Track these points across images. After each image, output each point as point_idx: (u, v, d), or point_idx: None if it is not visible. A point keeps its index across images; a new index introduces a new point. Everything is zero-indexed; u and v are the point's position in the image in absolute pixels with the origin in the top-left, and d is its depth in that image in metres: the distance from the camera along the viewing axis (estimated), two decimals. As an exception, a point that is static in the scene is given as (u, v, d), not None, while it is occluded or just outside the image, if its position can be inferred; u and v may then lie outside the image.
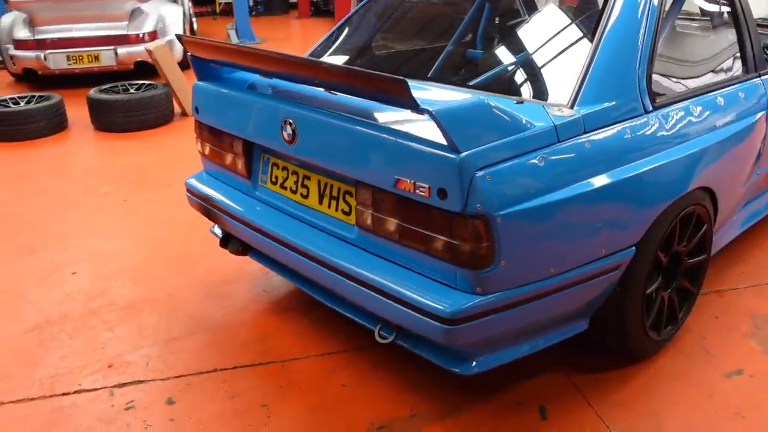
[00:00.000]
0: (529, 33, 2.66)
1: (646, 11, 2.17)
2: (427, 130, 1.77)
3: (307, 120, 2.08)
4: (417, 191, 1.77)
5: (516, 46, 2.58)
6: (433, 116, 1.63)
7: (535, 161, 1.79)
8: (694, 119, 2.26)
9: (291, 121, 2.12)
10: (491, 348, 1.94)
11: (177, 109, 6.04)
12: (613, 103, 2.02)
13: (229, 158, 2.53)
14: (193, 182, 2.69)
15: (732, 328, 2.55)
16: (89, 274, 3.13)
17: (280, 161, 2.32)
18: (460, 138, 1.67)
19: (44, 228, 3.68)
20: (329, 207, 2.15)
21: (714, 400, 2.18)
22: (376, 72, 1.67)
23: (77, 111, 5.99)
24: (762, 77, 2.67)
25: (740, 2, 2.65)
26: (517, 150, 1.77)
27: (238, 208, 2.42)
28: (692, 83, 2.40)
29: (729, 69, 2.60)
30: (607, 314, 2.17)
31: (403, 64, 2.86)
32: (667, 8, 2.29)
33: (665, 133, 2.14)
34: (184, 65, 6.73)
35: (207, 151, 2.66)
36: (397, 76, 1.61)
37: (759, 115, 2.56)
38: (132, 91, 5.89)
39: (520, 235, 1.77)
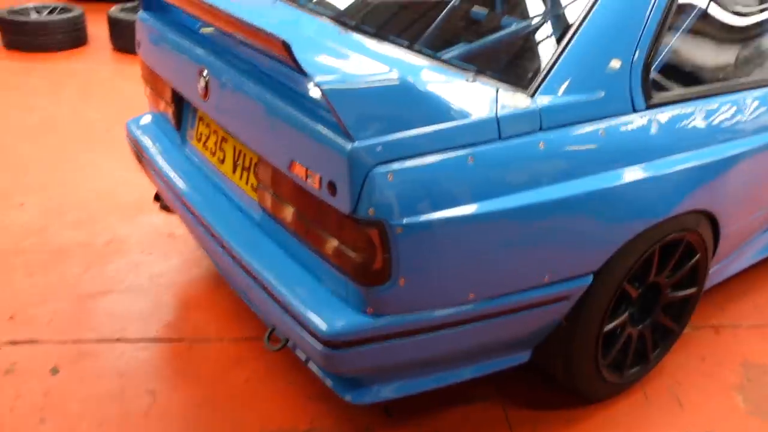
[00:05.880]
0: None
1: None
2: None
3: (219, 73, 1.75)
4: (308, 180, 1.44)
5: (514, 8, 2.11)
6: (322, 91, 1.28)
7: (460, 160, 1.42)
8: (700, 126, 1.80)
9: (205, 72, 1.79)
10: (392, 376, 1.62)
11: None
12: (591, 95, 1.60)
13: (162, 104, 2.23)
14: (132, 124, 2.41)
15: (718, 375, 2.15)
16: (37, 207, 2.93)
17: (205, 115, 2.01)
18: (355, 123, 1.31)
19: (15, 149, 3.50)
20: (241, 178, 1.83)
21: (669, 466, 1.82)
22: (260, 27, 1.31)
23: (102, 28, 5.76)
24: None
25: None
26: (437, 144, 1.40)
27: (162, 163, 2.13)
28: (710, 79, 1.92)
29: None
30: (552, 348, 1.81)
31: (403, 17, 2.43)
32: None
33: (655, 141, 1.70)
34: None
35: (148, 92, 2.36)
36: (280, 37, 1.25)
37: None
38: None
39: (428, 249, 1.42)
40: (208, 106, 1.82)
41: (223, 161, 1.91)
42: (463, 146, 1.43)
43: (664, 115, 1.72)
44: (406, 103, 1.37)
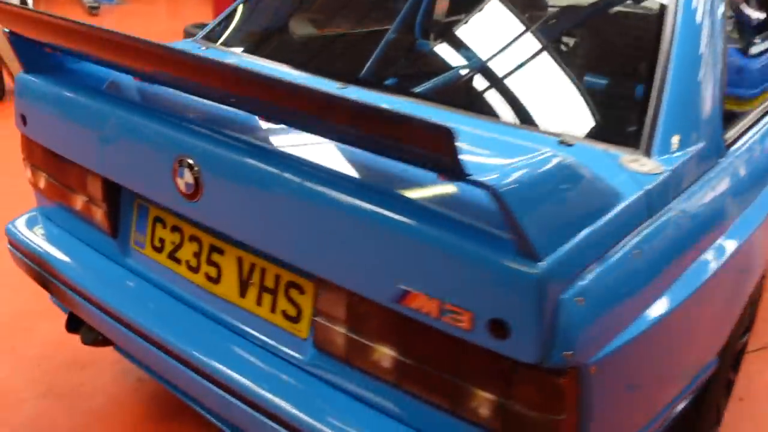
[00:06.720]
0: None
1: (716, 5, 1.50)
2: (464, 203, 0.99)
3: (221, 162, 1.20)
4: (447, 318, 0.98)
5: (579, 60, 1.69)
6: (498, 196, 0.85)
7: (627, 258, 1.06)
8: (761, 157, 1.63)
9: (191, 161, 1.23)
10: None
11: (9, 84, 4.66)
12: (699, 145, 1.33)
13: (79, 201, 1.58)
14: (19, 229, 1.70)
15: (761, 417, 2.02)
16: None
17: (167, 215, 1.43)
18: (539, 234, 0.90)
19: None
20: (258, 304, 1.29)
21: None
22: (405, 113, 0.84)
23: None
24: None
25: None
26: (605, 242, 1.03)
27: (93, 283, 1.50)
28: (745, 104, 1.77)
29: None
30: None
31: (335, 56, 2.00)
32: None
33: (742, 184, 1.50)
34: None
35: (43, 184, 1.68)
36: (440, 123, 0.80)
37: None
38: (-60, 58, 4.49)
39: (616, 386, 1.05)
40: (201, 212, 1.26)
41: (216, 280, 1.35)
42: (623, 237, 1.07)
43: (737, 153, 1.52)
44: (573, 193, 0.99)
